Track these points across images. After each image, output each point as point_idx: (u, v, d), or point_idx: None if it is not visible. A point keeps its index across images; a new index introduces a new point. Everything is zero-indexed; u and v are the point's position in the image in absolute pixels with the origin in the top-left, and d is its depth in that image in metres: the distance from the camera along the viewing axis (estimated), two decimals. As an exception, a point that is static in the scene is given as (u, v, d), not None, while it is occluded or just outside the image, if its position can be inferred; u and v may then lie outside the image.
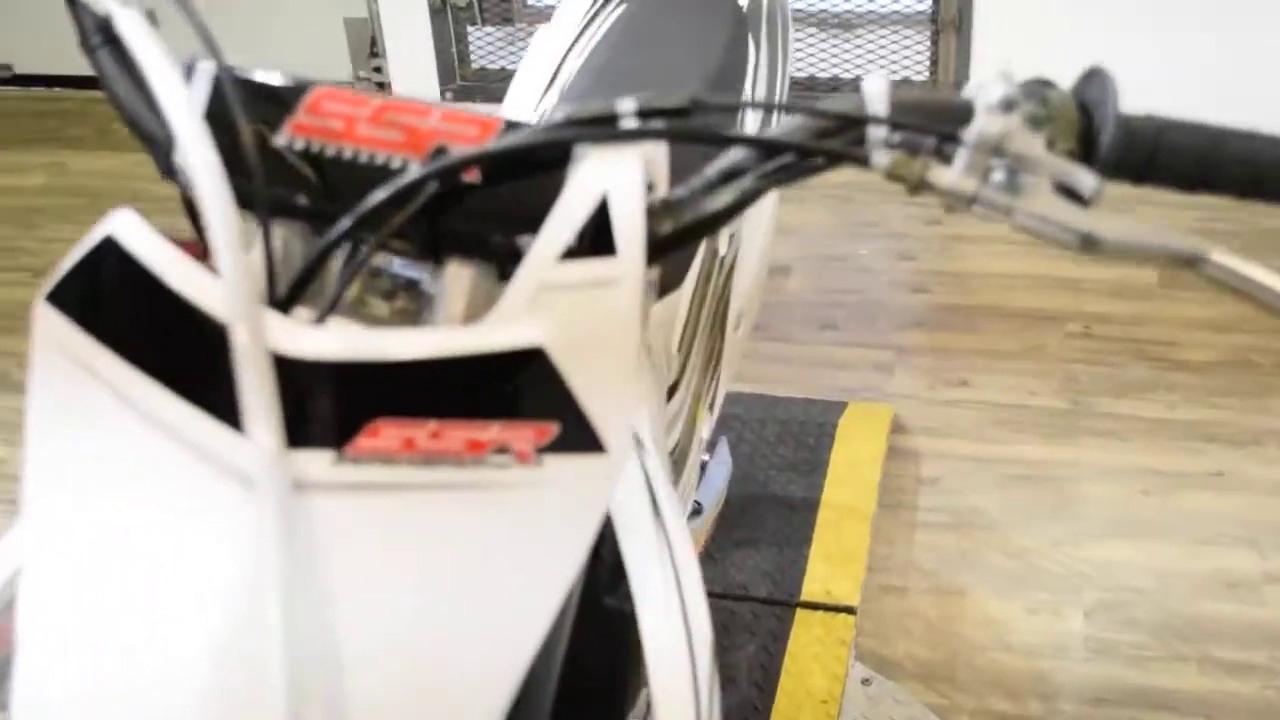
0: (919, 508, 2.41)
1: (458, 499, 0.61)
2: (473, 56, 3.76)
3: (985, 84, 0.65)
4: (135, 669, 0.62)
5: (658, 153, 0.68)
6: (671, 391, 1.27)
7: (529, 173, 0.64)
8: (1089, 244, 0.62)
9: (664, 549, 0.83)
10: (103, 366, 0.63)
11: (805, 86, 3.46)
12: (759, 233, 1.56)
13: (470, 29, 3.72)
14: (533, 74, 1.52)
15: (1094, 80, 0.67)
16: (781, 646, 2.06)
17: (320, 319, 0.64)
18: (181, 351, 0.61)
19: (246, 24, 4.11)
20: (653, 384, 1.06)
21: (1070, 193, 0.64)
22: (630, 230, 0.62)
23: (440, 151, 0.65)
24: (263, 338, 0.57)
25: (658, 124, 0.64)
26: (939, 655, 2.07)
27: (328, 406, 0.60)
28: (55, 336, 0.65)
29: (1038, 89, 0.66)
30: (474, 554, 0.62)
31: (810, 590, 2.16)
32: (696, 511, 1.71)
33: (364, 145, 0.65)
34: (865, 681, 2.00)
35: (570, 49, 1.52)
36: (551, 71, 1.50)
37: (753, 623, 2.10)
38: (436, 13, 3.70)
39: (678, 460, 1.33)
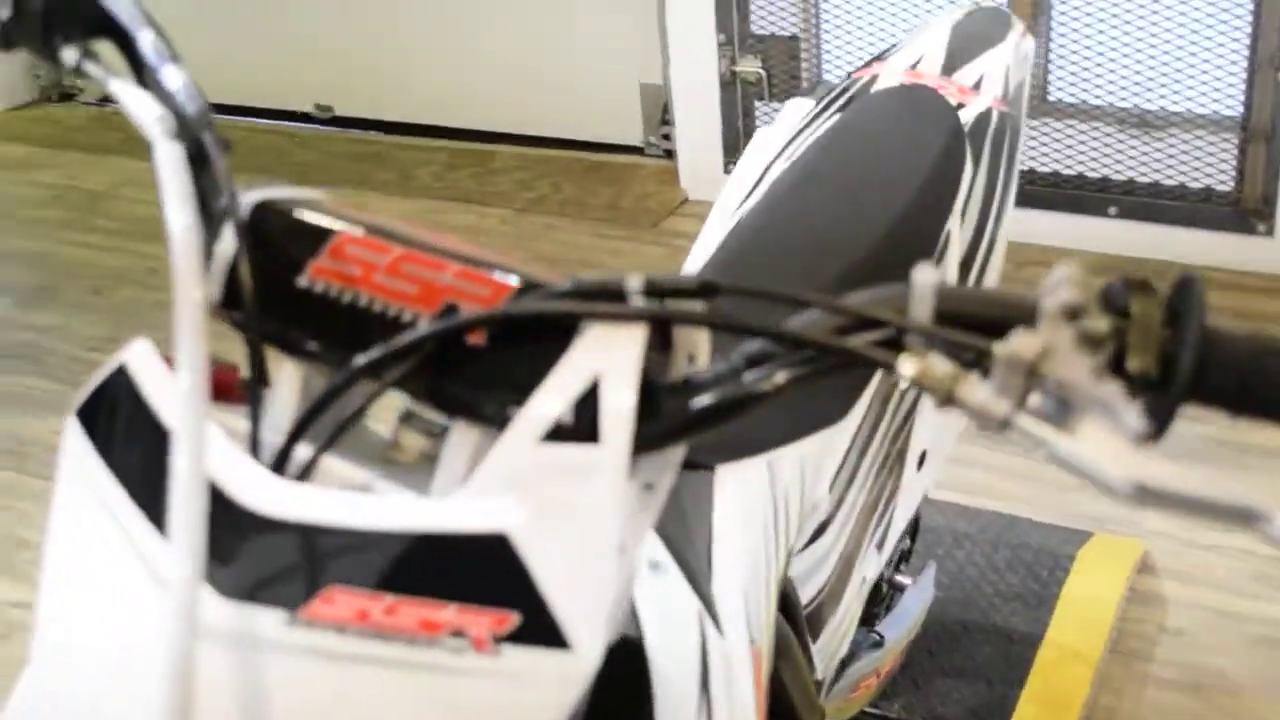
0: (1154, 660, 2.22)
1: (409, 680, 0.58)
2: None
3: (1059, 282, 0.57)
4: None
5: (700, 332, 0.63)
6: (820, 531, 1.20)
7: (535, 341, 0.61)
8: (1135, 494, 0.54)
9: (703, 712, 0.78)
10: (100, 479, 0.64)
11: (1098, 188, 3.29)
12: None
13: (758, 103, 3.72)
14: (744, 173, 1.50)
15: (1184, 289, 0.58)
16: (975, 790, 1.94)
17: (306, 468, 0.63)
18: (153, 477, 0.61)
19: (550, 83, 4.26)
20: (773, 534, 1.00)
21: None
22: (617, 417, 0.58)
23: (450, 310, 0.62)
24: (201, 490, 0.56)
25: (664, 305, 0.59)
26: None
27: (285, 566, 0.58)
28: (72, 447, 0.66)
29: (1123, 293, 0.58)
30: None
31: (1017, 731, 2.03)
32: (877, 644, 1.62)
33: (378, 295, 0.64)
34: (1058, 846, 1.85)
35: (782, 151, 1.49)
36: (760, 172, 1.47)
37: (949, 760, 1.98)
38: (726, 85, 3.72)
39: (822, 604, 1.26)
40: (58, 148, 5.20)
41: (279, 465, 0.64)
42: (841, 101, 1.56)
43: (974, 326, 0.58)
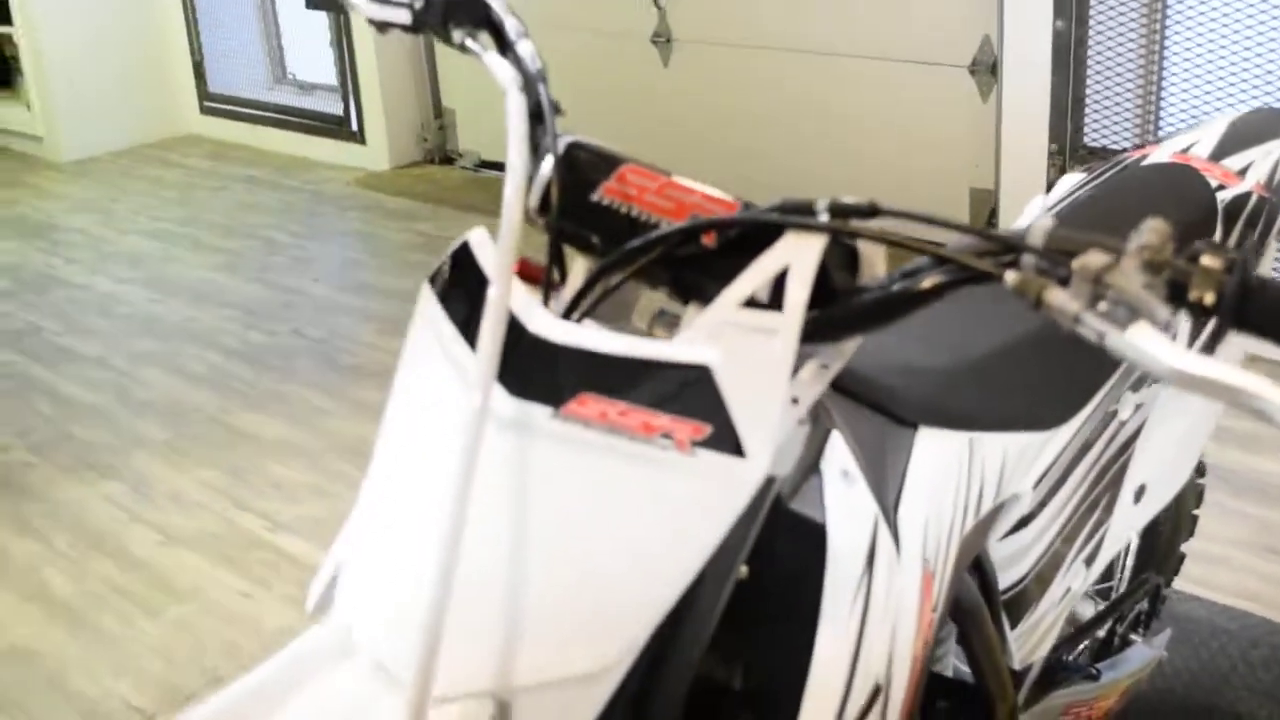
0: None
1: (629, 465, 0.82)
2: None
3: (1144, 229, 0.76)
4: (398, 544, 0.88)
5: (877, 250, 0.85)
6: (1022, 524, 1.36)
7: (750, 245, 0.84)
8: (1171, 376, 0.71)
9: (863, 590, 0.97)
10: (436, 318, 0.91)
11: None
12: (1179, 421, 1.59)
13: (1078, 217, 3.83)
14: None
15: (1243, 259, 0.76)
16: None
17: (578, 318, 0.88)
18: (477, 319, 0.87)
19: (885, 182, 4.49)
20: (938, 462, 1.16)
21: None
22: (795, 298, 0.80)
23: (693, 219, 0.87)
24: (503, 314, 0.81)
25: (839, 221, 0.82)
26: None
27: (554, 376, 0.83)
28: (422, 303, 0.94)
29: (1201, 248, 0.76)
30: (632, 510, 0.82)
31: (1239, 815, 2.07)
32: (1091, 678, 1.73)
33: (647, 208, 0.89)
34: None
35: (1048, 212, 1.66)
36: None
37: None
38: (1051, 192, 3.85)
39: (1021, 595, 1.41)
40: (435, 203, 5.82)
41: (565, 315, 0.89)
42: (1111, 174, 1.72)
43: (1073, 256, 0.77)
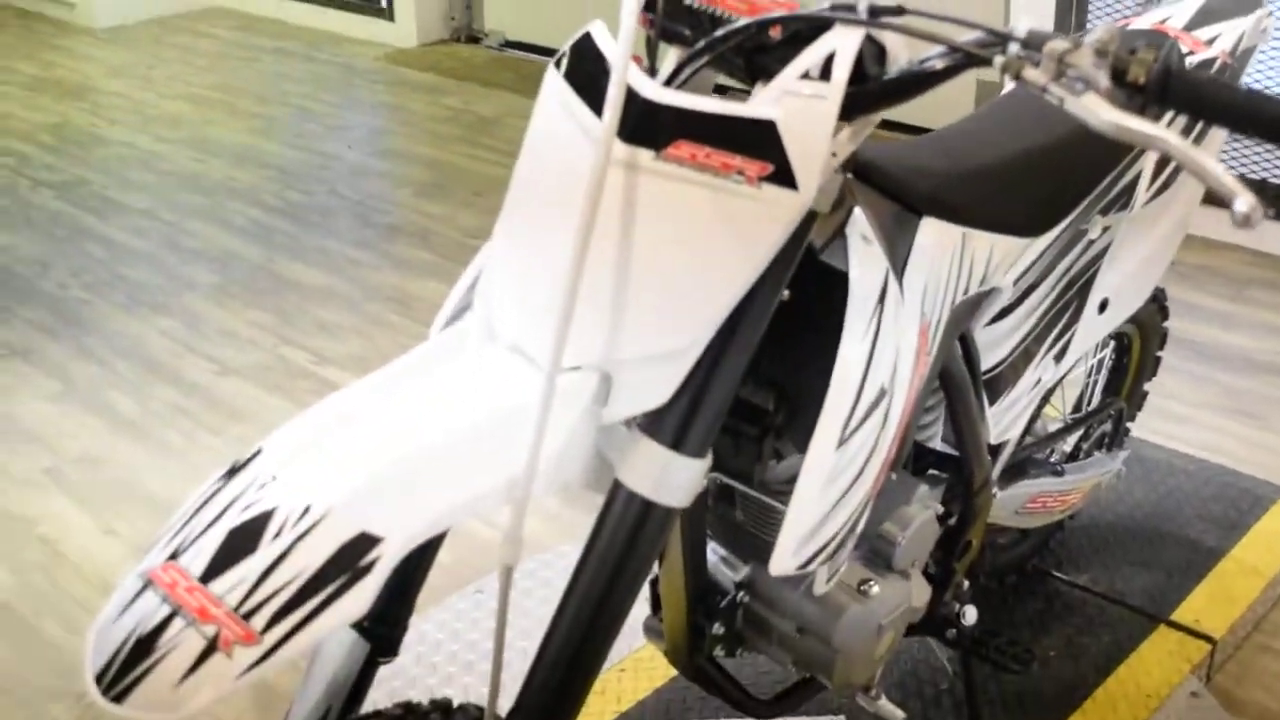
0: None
1: (711, 194, 1.10)
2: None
3: (1099, 29, 1.03)
4: (532, 255, 1.17)
5: (901, 43, 1.12)
6: (1002, 315, 1.65)
7: (806, 37, 1.11)
8: (1111, 130, 0.99)
9: (875, 318, 1.26)
10: (562, 91, 1.18)
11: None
12: (1141, 247, 1.87)
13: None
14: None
15: (1170, 49, 1.03)
16: (1131, 647, 2.30)
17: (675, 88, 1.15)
18: (599, 88, 1.14)
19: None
20: (937, 247, 1.42)
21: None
22: (840, 74, 1.07)
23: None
24: (623, 84, 1.08)
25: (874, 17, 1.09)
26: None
27: (656, 127, 1.11)
28: (548, 81, 1.21)
29: (1139, 43, 1.03)
30: (712, 228, 1.10)
31: (1180, 614, 2.37)
32: (1055, 473, 2.03)
33: (727, 8, 1.15)
34: (1194, 694, 2.19)
35: None
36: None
37: (1115, 623, 2.35)
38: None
39: (999, 377, 1.70)
40: (461, 79, 6.05)
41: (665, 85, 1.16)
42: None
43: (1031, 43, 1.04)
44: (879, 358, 1.27)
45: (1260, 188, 3.87)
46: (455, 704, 1.30)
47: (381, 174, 4.99)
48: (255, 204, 4.69)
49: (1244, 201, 0.93)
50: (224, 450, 3.13)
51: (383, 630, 1.32)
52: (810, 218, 1.15)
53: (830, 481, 1.26)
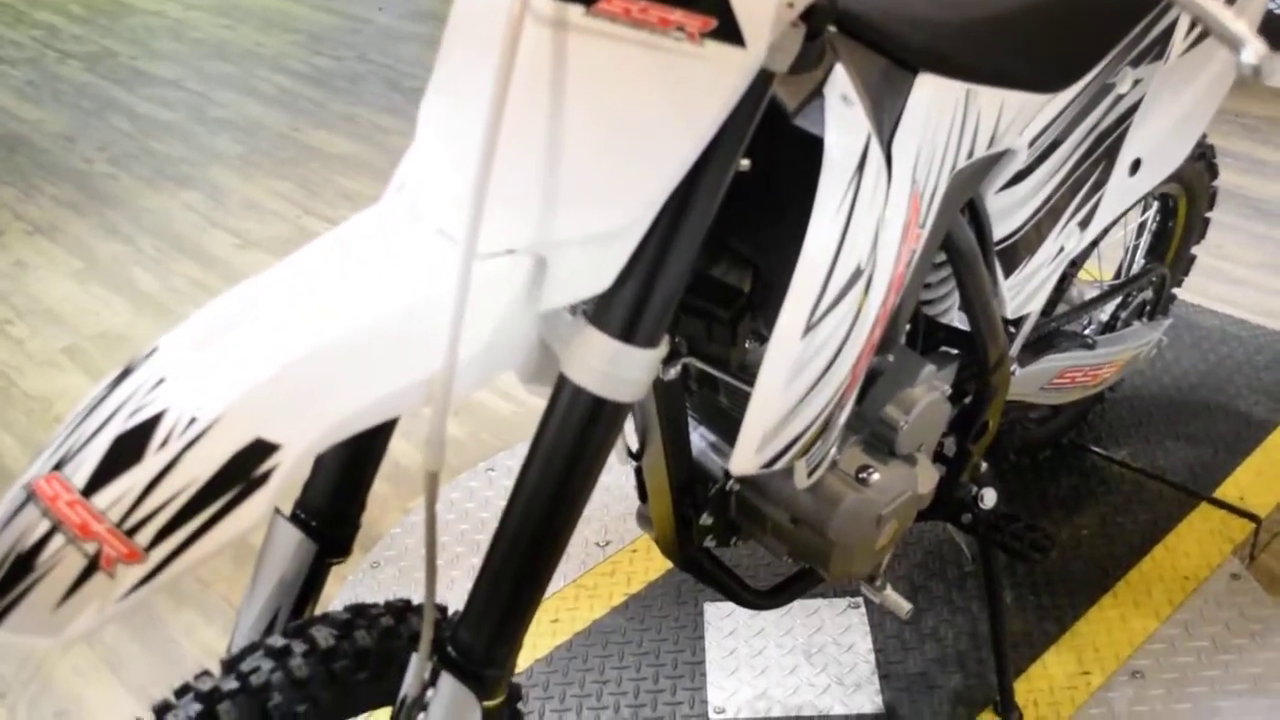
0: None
1: (648, 54, 0.96)
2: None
3: None
4: (457, 125, 1.05)
5: None
6: (1017, 179, 1.50)
7: None
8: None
9: (851, 190, 1.12)
10: None
11: None
12: (1176, 102, 1.70)
13: None
14: None
15: None
16: (1170, 526, 2.19)
17: None
18: None
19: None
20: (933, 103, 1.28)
21: None
22: None
23: None
24: None
25: None
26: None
27: None
28: None
29: None
30: (650, 92, 0.97)
31: (1224, 491, 2.25)
32: (1086, 346, 1.89)
33: None
34: (1235, 576, 2.08)
35: None
36: None
37: (1154, 501, 2.24)
38: None
39: (1014, 247, 1.56)
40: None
41: None
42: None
43: None
44: (855, 234, 1.14)
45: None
46: (415, 603, 1.22)
47: (414, 37, 4.84)
48: (282, 70, 4.58)
49: (1251, 51, 0.79)
50: (242, 327, 3.06)
51: (331, 530, 1.24)
52: (766, 78, 1.02)
53: (797, 371, 1.15)
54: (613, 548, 2.19)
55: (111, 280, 3.28)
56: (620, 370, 1.03)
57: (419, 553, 2.19)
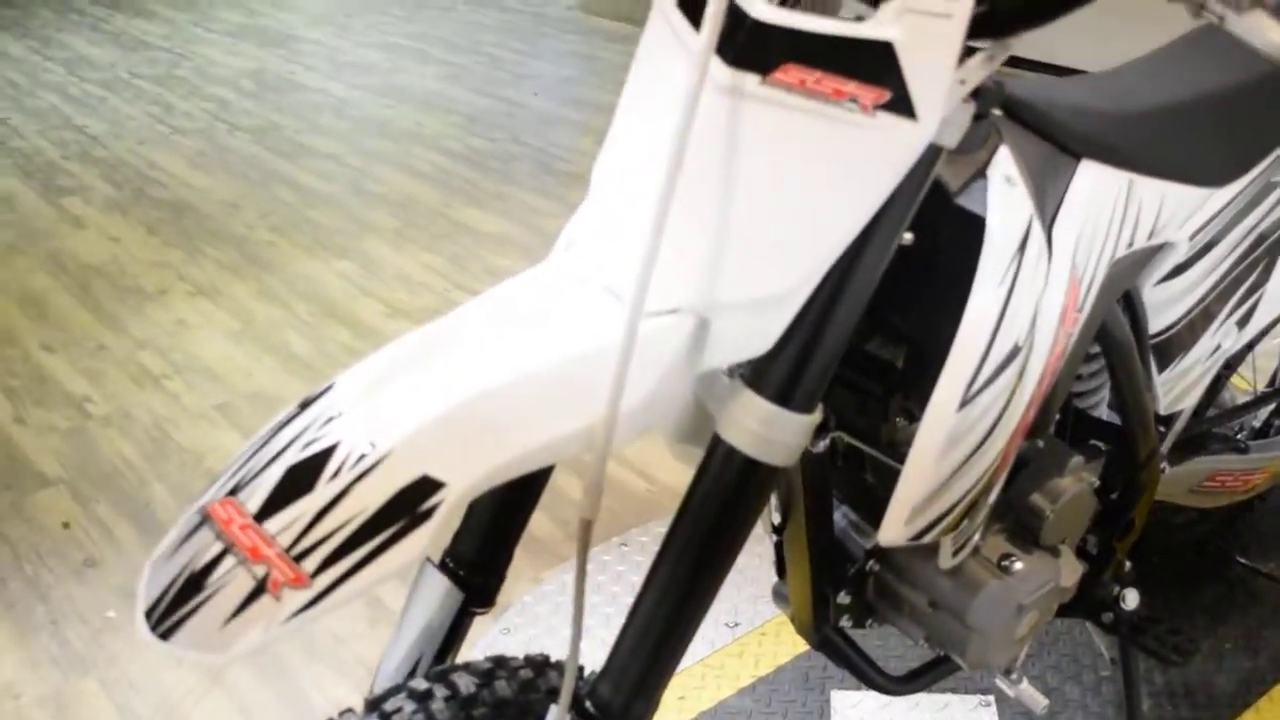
0: None
1: (821, 123, 0.99)
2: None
3: None
4: (628, 189, 1.08)
5: None
6: (1176, 272, 1.49)
7: None
8: (1271, 50, 0.85)
9: (1012, 269, 1.13)
10: (667, 10, 1.09)
11: None
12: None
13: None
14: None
15: None
16: (1321, 643, 2.12)
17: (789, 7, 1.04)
18: (703, 4, 1.04)
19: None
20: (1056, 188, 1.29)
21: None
22: None
23: None
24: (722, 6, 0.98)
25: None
26: None
27: (763, 49, 1.00)
28: (658, 4, 1.12)
29: None
30: (821, 160, 0.99)
31: (1379, 611, 2.18)
32: (1239, 450, 1.85)
33: None
34: (1389, 700, 2.00)
35: None
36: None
37: (1304, 615, 2.17)
38: None
39: (1170, 341, 1.55)
40: (651, 29, 5.98)
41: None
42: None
43: None
44: (1014, 311, 1.14)
45: None
46: (553, 659, 1.24)
47: (567, 122, 4.96)
48: (438, 149, 4.72)
49: None
50: (387, 392, 3.14)
51: (478, 580, 1.27)
52: (934, 153, 1.04)
53: (951, 444, 1.15)
54: (742, 629, 2.18)
55: (266, 342, 3.39)
56: (774, 433, 1.05)
57: (549, 621, 2.21)
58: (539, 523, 2.55)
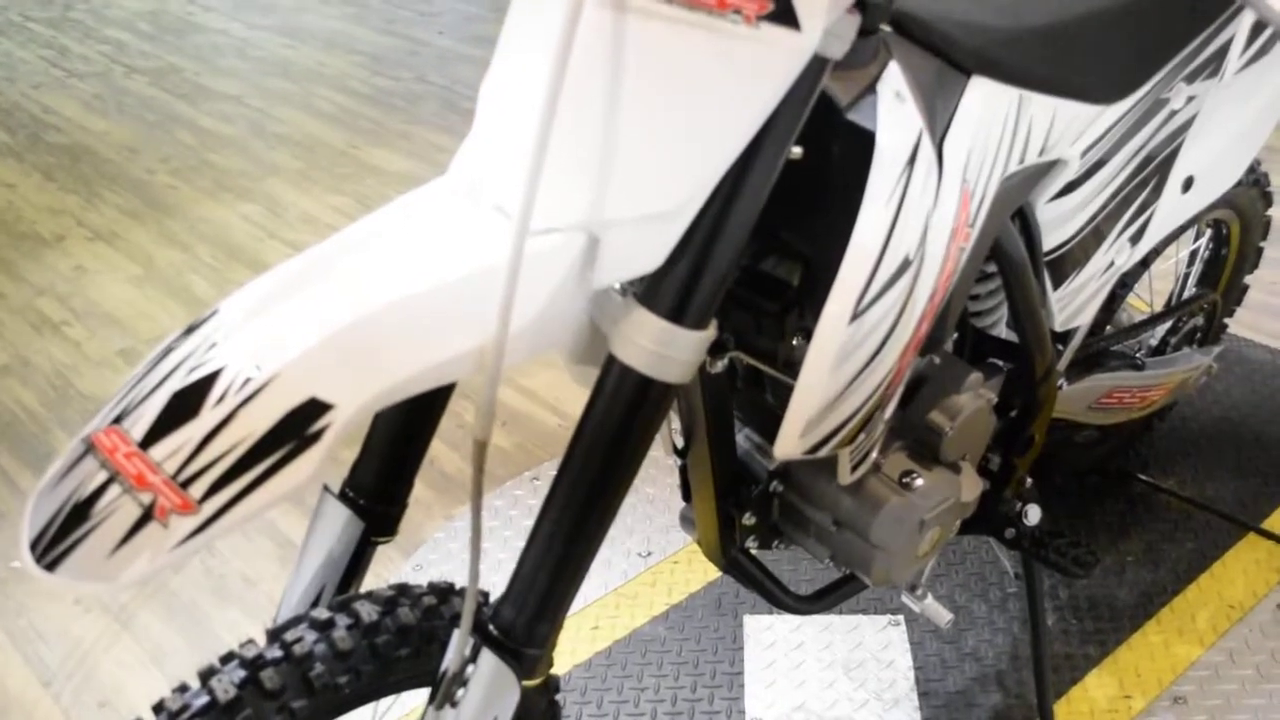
0: None
1: (705, 35, 0.98)
2: None
3: None
4: (515, 105, 1.07)
5: None
6: (1068, 190, 1.51)
7: None
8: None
9: (901, 184, 1.13)
10: None
11: None
12: (1231, 121, 1.69)
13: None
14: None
15: None
16: (1216, 555, 2.17)
17: None
18: None
19: None
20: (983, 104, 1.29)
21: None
22: None
23: None
24: None
25: None
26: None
27: None
28: None
29: None
30: (705, 73, 0.98)
31: (1271, 522, 2.23)
32: (1135, 367, 1.88)
33: None
34: (1281, 607, 2.06)
35: None
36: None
37: (1201, 530, 2.22)
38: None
39: (1063, 259, 1.56)
40: (558, -35, 5.90)
41: None
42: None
43: None
44: (904, 225, 1.15)
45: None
46: (458, 586, 1.24)
47: (471, 60, 4.90)
48: (342, 89, 4.64)
49: None
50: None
51: (379, 509, 1.26)
52: (820, 65, 1.03)
53: (843, 357, 1.16)
54: (655, 558, 2.19)
55: (169, 286, 3.33)
56: (668, 350, 1.04)
57: (461, 557, 2.21)
58: (449, 460, 2.54)
